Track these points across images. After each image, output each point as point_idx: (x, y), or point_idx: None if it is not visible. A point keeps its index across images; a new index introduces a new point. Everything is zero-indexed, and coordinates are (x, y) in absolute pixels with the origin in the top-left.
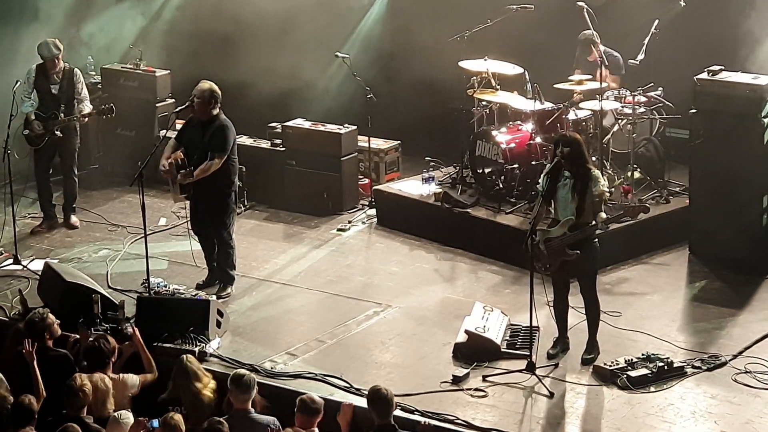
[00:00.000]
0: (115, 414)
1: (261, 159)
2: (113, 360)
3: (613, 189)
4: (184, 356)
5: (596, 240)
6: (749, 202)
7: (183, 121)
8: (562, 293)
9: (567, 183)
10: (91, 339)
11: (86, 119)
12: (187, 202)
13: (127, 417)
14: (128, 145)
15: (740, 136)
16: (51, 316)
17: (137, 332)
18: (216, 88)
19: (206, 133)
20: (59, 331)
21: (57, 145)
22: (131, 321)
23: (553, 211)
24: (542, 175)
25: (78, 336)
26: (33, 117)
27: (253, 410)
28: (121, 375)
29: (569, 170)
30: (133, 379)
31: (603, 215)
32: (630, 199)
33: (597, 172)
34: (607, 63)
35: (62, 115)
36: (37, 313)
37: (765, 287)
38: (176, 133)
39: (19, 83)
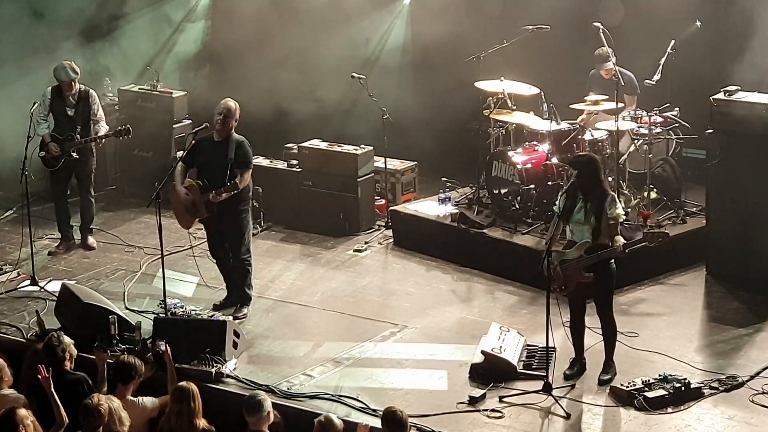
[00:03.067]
0: None
1: (277, 180)
2: (137, 381)
3: (629, 209)
4: None
5: (612, 261)
6: (766, 222)
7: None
8: (579, 314)
9: (583, 205)
10: (120, 356)
11: (102, 141)
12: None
13: None
14: (145, 166)
15: (757, 156)
16: (66, 337)
17: (169, 350)
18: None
19: (227, 150)
20: (75, 351)
21: (73, 166)
22: (164, 340)
23: (569, 232)
24: (559, 196)
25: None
26: (49, 139)
27: None
28: (139, 398)
29: (584, 192)
30: (153, 403)
31: (620, 239)
32: (650, 225)
33: (613, 195)
34: (622, 81)
35: (78, 136)
36: (54, 338)
37: None
38: (183, 156)
39: (35, 105)
